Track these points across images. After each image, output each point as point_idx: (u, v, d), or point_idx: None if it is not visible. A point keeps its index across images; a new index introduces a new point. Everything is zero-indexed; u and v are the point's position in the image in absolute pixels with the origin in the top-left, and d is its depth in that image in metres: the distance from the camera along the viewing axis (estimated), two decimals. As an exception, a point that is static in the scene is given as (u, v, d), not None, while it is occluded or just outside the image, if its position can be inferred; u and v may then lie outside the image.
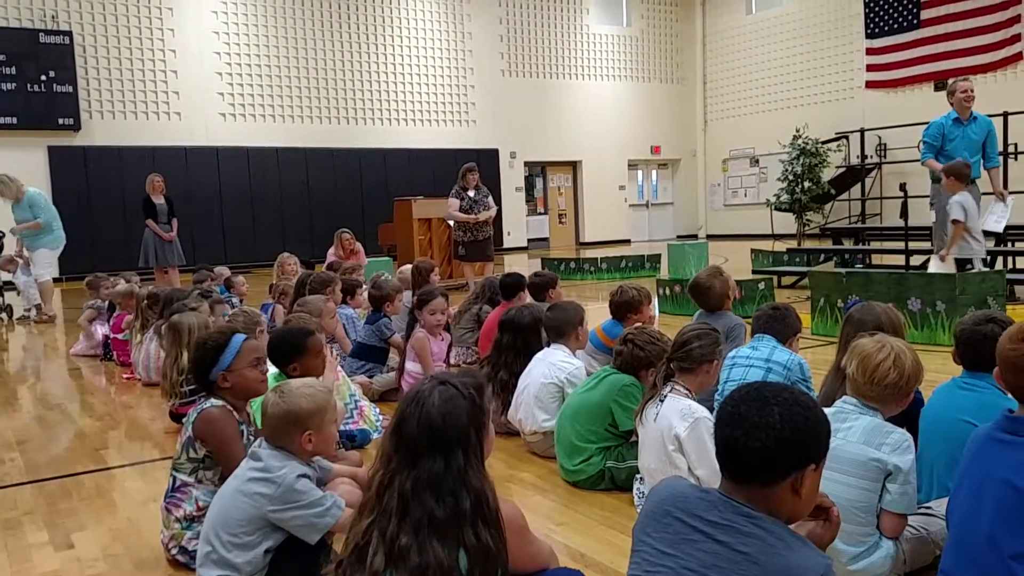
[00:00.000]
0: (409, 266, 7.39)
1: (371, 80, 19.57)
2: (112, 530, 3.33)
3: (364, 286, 6.51)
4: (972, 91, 7.58)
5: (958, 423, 2.59)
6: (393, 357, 5.71)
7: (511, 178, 21.52)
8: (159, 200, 11.57)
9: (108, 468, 4.21)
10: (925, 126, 7.94)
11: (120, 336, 6.96)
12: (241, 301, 8.37)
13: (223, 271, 8.94)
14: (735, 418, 1.68)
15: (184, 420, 3.05)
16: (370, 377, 5.46)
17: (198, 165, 17.33)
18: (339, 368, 4.65)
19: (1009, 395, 2.18)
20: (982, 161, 7.68)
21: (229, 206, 17.79)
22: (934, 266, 7.38)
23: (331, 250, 10.55)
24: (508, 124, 21.26)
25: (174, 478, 2.94)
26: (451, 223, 12.26)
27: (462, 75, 20.86)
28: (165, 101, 17.22)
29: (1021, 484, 1.96)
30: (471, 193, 10.44)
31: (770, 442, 1.63)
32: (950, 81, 7.84)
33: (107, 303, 7.73)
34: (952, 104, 7.64)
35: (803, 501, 1.69)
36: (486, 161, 20.84)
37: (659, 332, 3.64)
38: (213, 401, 2.92)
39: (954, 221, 6.95)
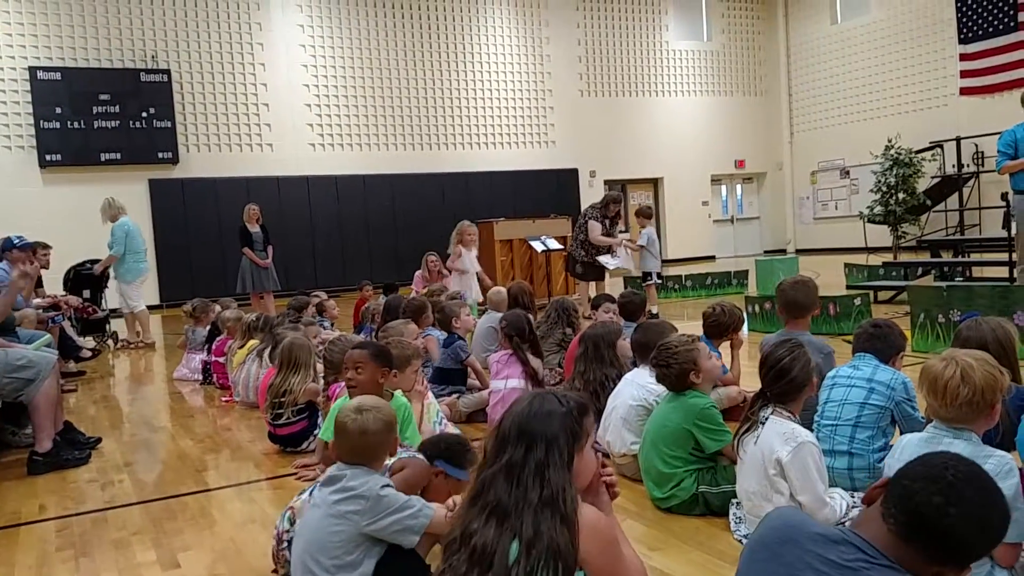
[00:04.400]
0: (502, 288, 7.43)
1: (452, 106, 19.88)
2: (216, 550, 3.44)
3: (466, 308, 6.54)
4: None
5: None
6: (473, 379, 5.76)
7: (591, 197, 21.35)
8: (255, 228, 11.98)
9: (209, 490, 4.35)
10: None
11: (221, 360, 7.20)
12: (332, 324, 8.60)
13: (319, 296, 9.17)
14: (952, 496, 1.58)
15: None
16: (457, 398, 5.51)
17: (290, 194, 17.90)
18: (428, 390, 4.72)
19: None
20: None
21: (319, 233, 18.29)
22: (612, 263, 10.39)
23: (419, 273, 10.70)
24: (587, 143, 21.27)
25: None
26: (542, 243, 12.34)
27: (541, 97, 21.00)
28: (258, 133, 17.87)
29: None
30: (607, 223, 10.64)
31: (987, 537, 1.59)
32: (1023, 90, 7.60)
33: (208, 329, 8.00)
34: None
35: None
36: (566, 181, 20.92)
37: (685, 337, 3.66)
38: None
39: (640, 246, 10.27)
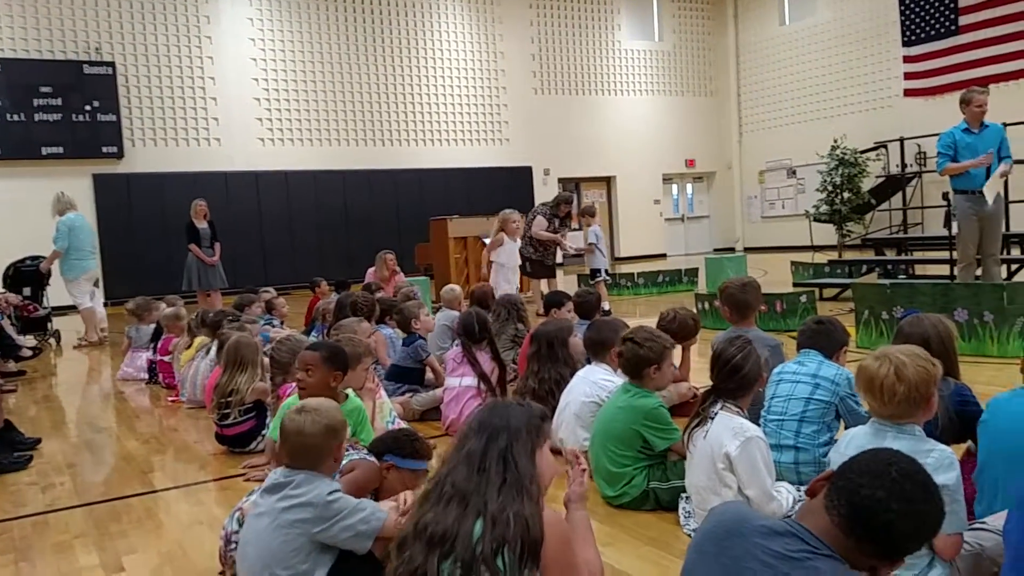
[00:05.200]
0: (456, 286, 7.42)
1: (405, 102, 19.77)
2: (161, 553, 3.37)
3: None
4: (987, 104, 7.61)
5: (1018, 433, 2.50)
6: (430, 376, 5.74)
7: (545, 195, 21.41)
8: (202, 225, 11.75)
9: (155, 491, 4.26)
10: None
11: (166, 359, 7.06)
12: (282, 323, 8.48)
13: (268, 292, 9.03)
14: (895, 490, 1.64)
15: None
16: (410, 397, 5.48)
17: (238, 190, 17.61)
18: (380, 388, 4.68)
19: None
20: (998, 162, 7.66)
21: (269, 229, 18.04)
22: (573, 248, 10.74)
23: (371, 270, 10.61)
24: (541, 141, 21.33)
25: None
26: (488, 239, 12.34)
27: (495, 94, 21.00)
28: (205, 128, 17.55)
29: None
30: (556, 222, 10.66)
31: (924, 532, 1.67)
32: (964, 91, 7.81)
33: (153, 327, 7.84)
34: (965, 114, 7.66)
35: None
36: (520, 179, 20.95)
37: (666, 338, 3.68)
38: None
39: (589, 243, 10.28)
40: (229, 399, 4.68)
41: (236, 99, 17.76)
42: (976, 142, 7.54)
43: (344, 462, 2.97)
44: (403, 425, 4.57)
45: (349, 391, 3.83)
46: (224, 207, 16.23)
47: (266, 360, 4.98)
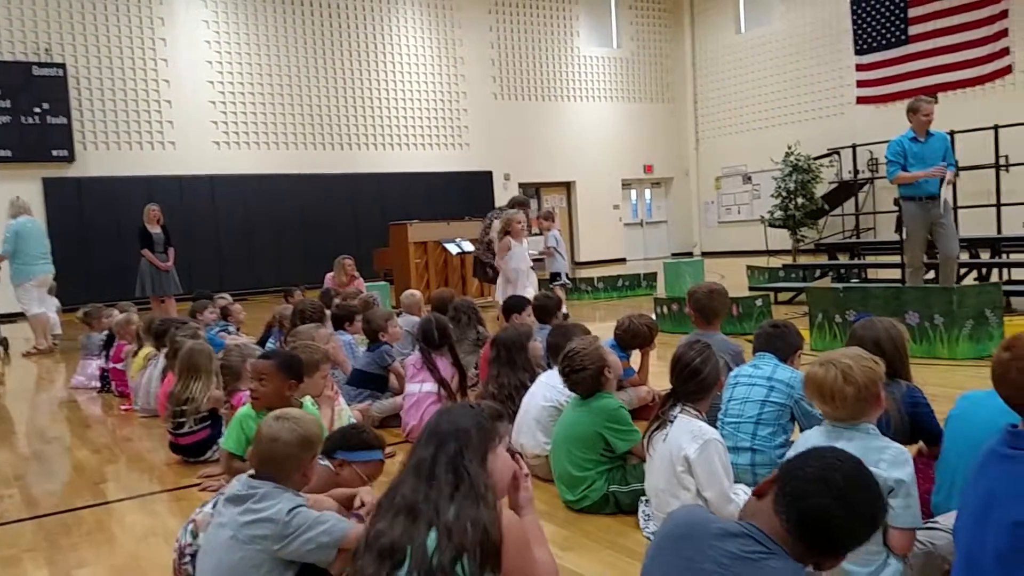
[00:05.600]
0: (416, 291, 7.39)
1: (364, 105, 19.66)
2: (114, 566, 3.30)
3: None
4: (933, 113, 7.78)
5: (984, 433, 2.54)
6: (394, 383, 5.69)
7: (505, 200, 21.53)
8: (155, 230, 11.57)
9: (108, 502, 4.17)
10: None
11: (119, 366, 6.93)
12: (238, 329, 8.36)
13: (224, 298, 8.89)
14: (841, 499, 1.69)
15: None
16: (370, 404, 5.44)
17: (193, 194, 17.34)
18: (339, 395, 4.64)
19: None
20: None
21: (225, 234, 17.79)
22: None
23: (329, 276, 10.53)
24: (501, 146, 21.36)
25: None
26: (456, 246, 12.31)
27: (455, 99, 20.98)
28: (159, 131, 17.26)
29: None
30: None
31: (870, 533, 1.75)
32: (911, 100, 8.00)
33: (106, 334, 7.69)
34: (912, 122, 7.82)
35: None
36: (480, 184, 20.95)
37: (589, 340, 3.72)
38: None
39: (549, 247, 10.22)
40: (184, 407, 4.60)
41: (191, 102, 17.50)
42: (923, 150, 7.73)
43: None
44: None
45: (306, 399, 3.79)
46: (179, 211, 15.97)
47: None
